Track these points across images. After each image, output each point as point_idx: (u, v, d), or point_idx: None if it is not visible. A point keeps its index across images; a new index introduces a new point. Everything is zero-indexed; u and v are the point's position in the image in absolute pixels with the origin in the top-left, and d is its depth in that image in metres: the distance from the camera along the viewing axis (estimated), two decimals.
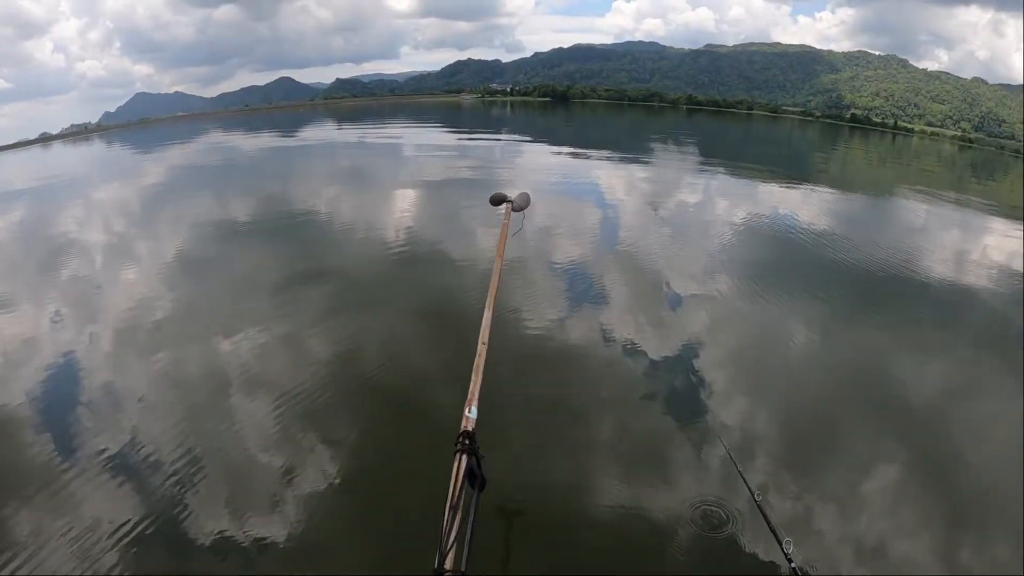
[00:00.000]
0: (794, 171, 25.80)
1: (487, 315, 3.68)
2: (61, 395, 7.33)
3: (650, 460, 5.59)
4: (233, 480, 5.53)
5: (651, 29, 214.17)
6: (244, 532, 4.90)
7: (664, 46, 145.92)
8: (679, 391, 6.75)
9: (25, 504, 5.35)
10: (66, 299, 10.97)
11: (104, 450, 6.02)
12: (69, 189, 29.05)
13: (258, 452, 5.89)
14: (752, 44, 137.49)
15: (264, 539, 4.82)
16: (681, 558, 4.57)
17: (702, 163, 25.33)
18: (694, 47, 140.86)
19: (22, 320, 10.17)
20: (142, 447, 6.02)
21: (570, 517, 4.89)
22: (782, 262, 10.94)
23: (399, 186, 19.75)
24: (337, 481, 5.40)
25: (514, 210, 4.94)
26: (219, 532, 4.92)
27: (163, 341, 8.49)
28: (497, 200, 5.06)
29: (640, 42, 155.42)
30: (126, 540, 4.88)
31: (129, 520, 5.06)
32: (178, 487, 5.44)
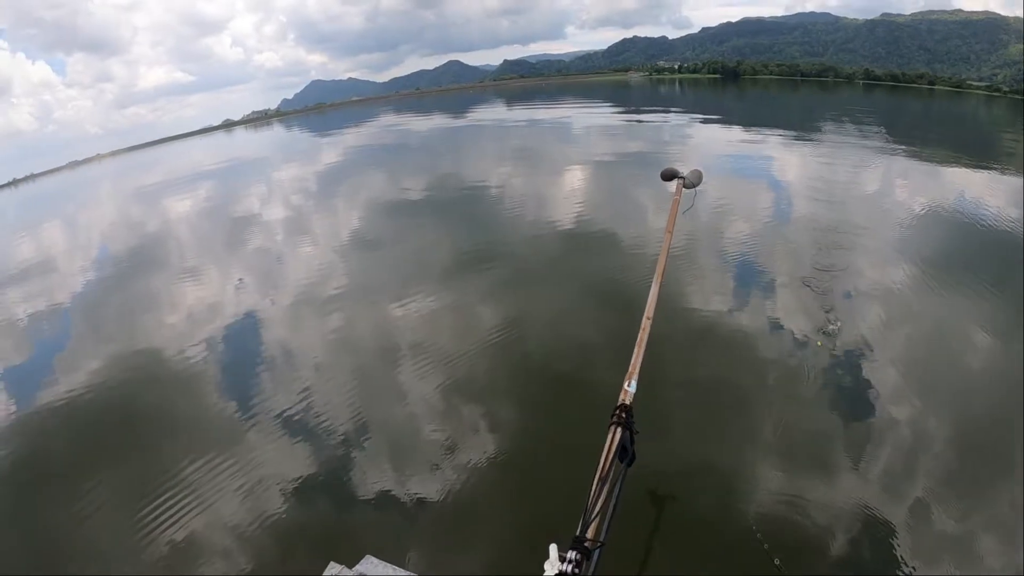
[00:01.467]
0: (979, 152, 21.82)
1: (654, 289, 3.51)
2: (244, 356, 8.19)
3: (812, 459, 5.03)
4: (397, 443, 5.80)
5: None
6: (405, 491, 5.14)
7: (838, 16, 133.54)
8: (847, 388, 5.98)
9: (207, 452, 5.98)
10: (250, 269, 12.28)
11: (281, 408, 6.59)
12: (252, 169, 32.86)
13: (421, 417, 6.13)
14: (932, 12, 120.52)
15: (423, 498, 5.02)
16: (839, 563, 4.12)
17: (882, 144, 22.44)
18: (869, 16, 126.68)
19: (211, 287, 11.61)
20: (314, 407, 6.51)
21: (718, 511, 4.56)
22: (966, 254, 9.37)
23: (568, 165, 19.55)
24: (492, 447, 5.51)
25: (685, 187, 4.64)
26: (382, 489, 5.20)
27: (338, 310, 9.19)
28: (668, 175, 4.78)
29: (812, 13, 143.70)
30: (293, 491, 5.30)
31: (299, 475, 5.48)
32: (345, 446, 5.80)
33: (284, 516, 5.07)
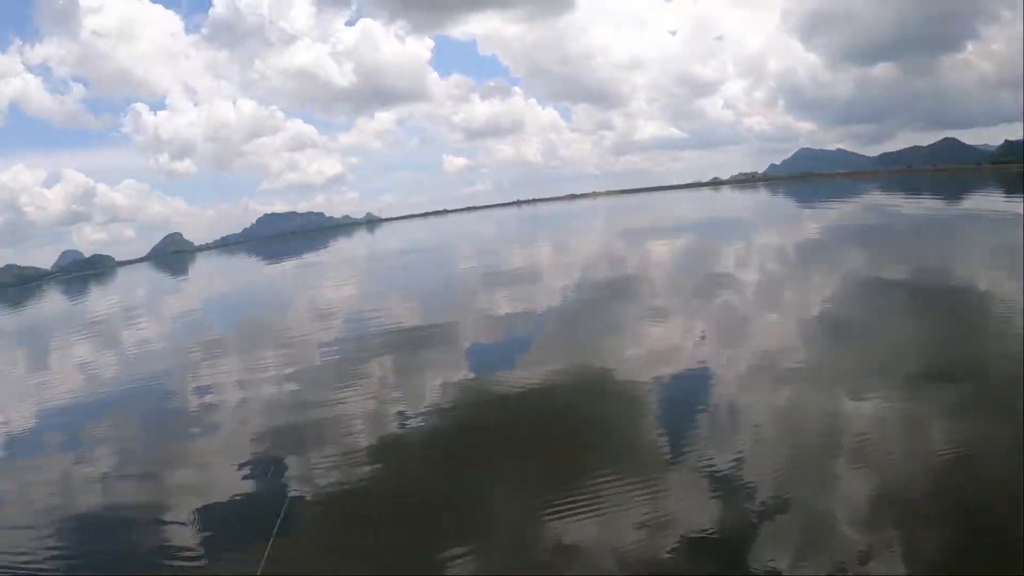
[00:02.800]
0: None
1: None
2: (685, 401, 8.22)
3: None
4: (809, 526, 5.21)
5: None
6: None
7: None
8: None
9: (623, 471, 6.24)
10: (713, 323, 12.51)
11: (709, 459, 6.43)
12: (733, 229, 33.53)
13: (841, 510, 5.35)
14: None
15: None
16: None
17: None
18: None
19: (672, 330, 12.22)
20: (741, 471, 6.17)
21: None
22: None
23: None
24: None
25: None
26: (771, 560, 4.73)
27: (790, 384, 8.67)
28: None
29: None
30: (687, 542, 5.07)
31: (703, 528, 5.23)
32: (758, 516, 5.38)
33: (671, 559, 4.91)
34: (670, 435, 7.23)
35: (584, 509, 5.70)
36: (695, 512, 5.49)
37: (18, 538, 6.97)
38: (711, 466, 6.34)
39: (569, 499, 5.86)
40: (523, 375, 10.06)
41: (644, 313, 14.00)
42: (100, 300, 53.38)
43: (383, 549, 5.67)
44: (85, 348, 23.28)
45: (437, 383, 10.31)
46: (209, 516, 6.76)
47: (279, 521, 5.97)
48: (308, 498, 6.79)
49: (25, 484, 8.94)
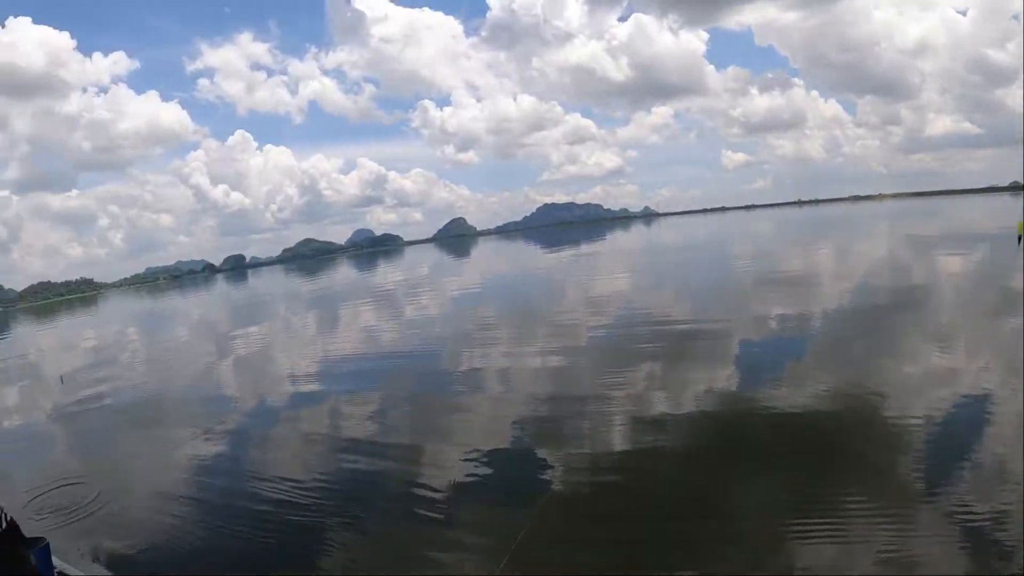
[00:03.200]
0: None
1: None
2: (950, 434, 7.69)
3: None
4: None
5: None
6: None
7: None
8: None
9: (885, 503, 6.10)
10: (1004, 349, 10.92)
11: (968, 507, 6.01)
12: None
13: None
14: None
15: None
16: None
17: None
18: None
19: (954, 355, 11.03)
20: (1002, 525, 5.69)
21: None
22: None
23: None
24: None
25: None
26: None
27: None
28: None
29: None
30: None
31: None
32: None
33: None
34: (930, 470, 6.87)
35: (825, 534, 5.80)
36: (940, 560, 5.36)
37: (285, 487, 8.07)
38: (968, 514, 5.99)
39: (811, 522, 5.97)
40: (787, 387, 10.04)
41: (924, 333, 12.85)
42: (387, 274, 62.83)
43: (622, 545, 6.11)
44: (370, 315, 27.64)
45: (700, 387, 10.62)
46: (463, 494, 7.45)
47: (532, 513, 6.65)
48: (558, 488, 7.41)
49: (299, 437, 10.36)
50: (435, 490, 7.60)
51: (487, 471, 8.09)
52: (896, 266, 24.58)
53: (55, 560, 4.70)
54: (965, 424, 8.03)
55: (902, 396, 9.12)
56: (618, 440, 8.68)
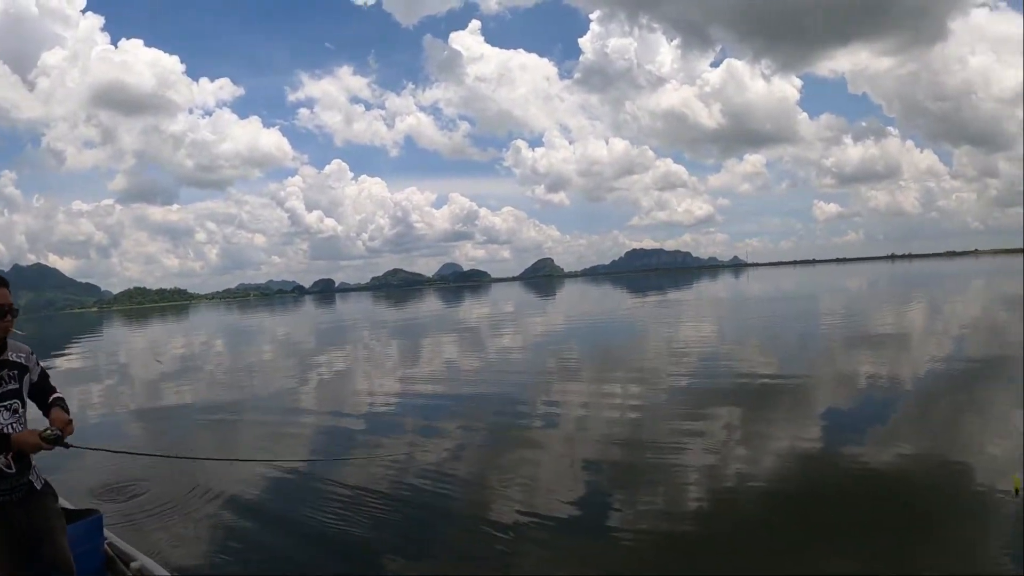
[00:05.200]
0: None
1: None
2: None
3: None
4: None
5: None
6: None
7: None
8: None
9: None
10: None
11: None
12: None
13: None
14: None
15: None
16: None
17: None
18: None
19: None
20: None
21: None
22: None
23: None
24: None
25: None
26: None
27: None
28: None
29: None
30: None
31: None
32: None
33: None
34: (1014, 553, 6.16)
35: None
36: None
37: (341, 509, 7.92)
38: None
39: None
40: (871, 450, 9.51)
41: (1018, 399, 11.79)
42: (473, 309, 64.93)
43: None
44: (452, 348, 28.41)
45: (781, 443, 10.27)
46: (525, 531, 7.19)
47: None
48: (625, 540, 7.01)
49: (364, 463, 9.99)
50: (495, 524, 7.44)
51: (552, 510, 7.86)
52: (994, 329, 23.62)
53: (107, 532, 4.91)
54: None
55: (991, 468, 8.39)
56: (690, 492, 8.35)
